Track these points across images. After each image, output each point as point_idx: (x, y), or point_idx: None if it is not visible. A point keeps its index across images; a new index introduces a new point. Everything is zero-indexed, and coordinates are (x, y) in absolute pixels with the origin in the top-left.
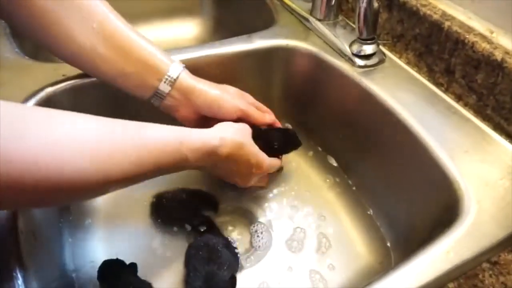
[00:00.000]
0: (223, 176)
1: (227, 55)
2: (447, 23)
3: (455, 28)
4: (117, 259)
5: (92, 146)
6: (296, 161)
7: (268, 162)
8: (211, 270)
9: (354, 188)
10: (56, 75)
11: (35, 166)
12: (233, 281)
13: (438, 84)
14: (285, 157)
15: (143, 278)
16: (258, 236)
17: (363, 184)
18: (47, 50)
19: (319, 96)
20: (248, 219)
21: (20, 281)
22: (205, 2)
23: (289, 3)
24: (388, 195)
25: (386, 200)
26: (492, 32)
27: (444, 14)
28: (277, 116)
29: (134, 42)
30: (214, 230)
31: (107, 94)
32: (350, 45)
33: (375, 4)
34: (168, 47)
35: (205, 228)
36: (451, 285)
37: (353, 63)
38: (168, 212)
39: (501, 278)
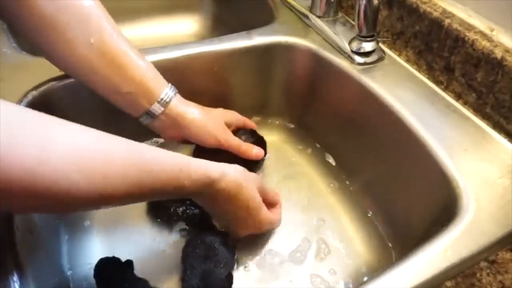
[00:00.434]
0: (220, 216)
1: (226, 51)
2: (447, 21)
3: (455, 25)
4: (113, 257)
5: (94, 163)
6: (294, 158)
7: (268, 217)
8: (208, 268)
9: (352, 186)
10: (55, 71)
11: (32, 174)
12: (229, 278)
13: (437, 82)
14: (283, 153)
15: (140, 275)
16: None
17: (361, 182)
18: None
19: (318, 93)
20: None
21: (15, 277)
22: None
23: (289, 0)
24: (387, 193)
25: (385, 198)
26: (492, 30)
27: (444, 11)
28: (275, 112)
29: (130, 61)
30: (211, 227)
31: None
32: (350, 42)
33: (375, 1)
34: (167, 43)
35: (201, 224)
36: (448, 283)
37: (352, 61)
38: (165, 209)
39: (499, 277)
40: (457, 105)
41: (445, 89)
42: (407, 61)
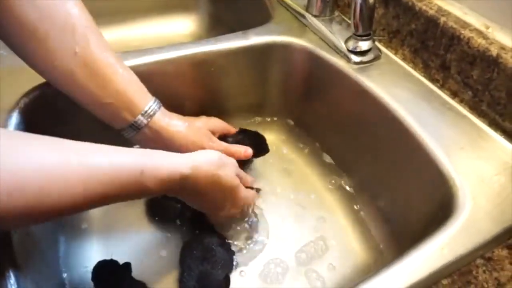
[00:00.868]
0: (192, 203)
1: (222, 51)
2: (442, 19)
3: (450, 23)
4: (111, 260)
5: (42, 177)
6: (292, 156)
7: (244, 194)
8: (205, 269)
9: (349, 184)
10: None
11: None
12: (227, 280)
13: (433, 80)
14: (281, 153)
15: (138, 277)
16: (254, 233)
17: (359, 180)
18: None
19: (315, 93)
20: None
21: (12, 280)
22: None
23: None
24: (384, 191)
25: (382, 197)
26: (488, 27)
27: (440, 9)
28: (273, 112)
29: (114, 73)
30: (209, 228)
31: None
32: (346, 42)
33: (371, 0)
34: (164, 42)
35: (200, 225)
36: (444, 281)
37: (349, 60)
38: (163, 209)
39: (495, 274)
40: (453, 103)
41: (441, 87)
42: (403, 59)
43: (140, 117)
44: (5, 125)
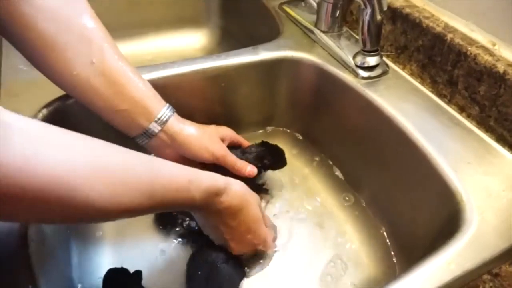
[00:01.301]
0: (218, 233)
1: (233, 66)
2: (449, 35)
3: (457, 40)
4: (121, 268)
5: (108, 175)
6: (300, 169)
7: (266, 228)
8: None
9: (358, 198)
10: None
11: (59, 183)
12: None
13: (441, 96)
14: (291, 166)
15: (148, 286)
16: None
17: (367, 194)
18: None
19: (324, 107)
20: None
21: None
22: (212, 12)
23: (294, 14)
24: (392, 205)
25: (390, 211)
26: (494, 44)
27: (446, 26)
28: (281, 125)
29: (130, 81)
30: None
31: None
32: (354, 57)
33: (378, 17)
34: (176, 56)
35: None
36: None
37: (357, 75)
38: (172, 220)
39: None
40: (461, 118)
41: (449, 102)
42: (411, 74)
43: (154, 123)
44: None
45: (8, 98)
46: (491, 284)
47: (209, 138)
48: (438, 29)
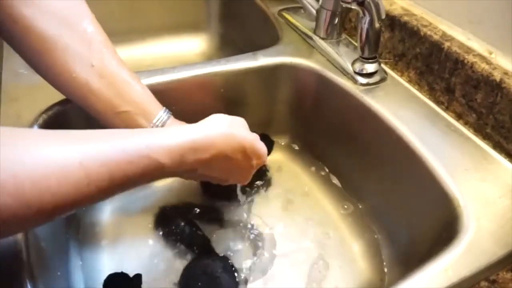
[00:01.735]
0: (220, 177)
1: (232, 72)
2: (447, 44)
3: (454, 48)
4: (121, 272)
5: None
6: (297, 175)
7: (263, 146)
8: None
9: (355, 204)
10: None
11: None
12: None
13: (438, 103)
14: (288, 171)
15: None
16: (259, 251)
17: (364, 200)
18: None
19: (322, 113)
20: (249, 233)
21: None
22: (212, 18)
23: (293, 21)
24: (389, 211)
25: (386, 217)
26: (491, 53)
27: (444, 34)
28: (280, 131)
29: (129, 84)
30: (211, 252)
31: None
32: (353, 64)
33: (377, 24)
34: (175, 61)
35: (203, 248)
36: None
37: (355, 81)
38: (170, 226)
39: None
40: (458, 125)
41: (446, 109)
42: (409, 81)
43: (153, 124)
44: None
45: (8, 102)
46: None
47: None
48: (436, 37)
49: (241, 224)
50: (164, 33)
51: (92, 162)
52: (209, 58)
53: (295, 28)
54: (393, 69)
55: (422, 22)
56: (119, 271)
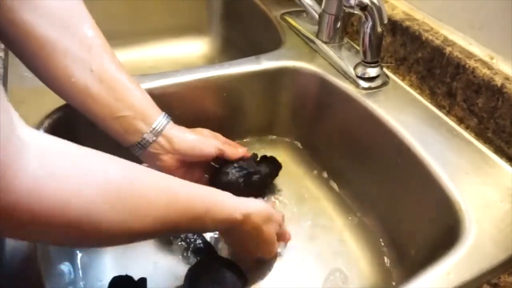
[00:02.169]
0: (227, 242)
1: (235, 75)
2: (448, 49)
3: (456, 53)
4: (126, 275)
5: (125, 195)
6: (299, 179)
7: (276, 247)
8: None
9: (356, 208)
10: None
11: (66, 205)
12: None
13: (440, 107)
14: (290, 175)
15: None
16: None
17: (365, 204)
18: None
19: (324, 117)
20: None
21: None
22: (214, 21)
23: (296, 25)
24: (391, 215)
25: (389, 221)
26: (492, 58)
27: (445, 39)
28: (282, 134)
29: (129, 89)
30: (216, 256)
31: None
32: (355, 68)
33: (379, 29)
34: (177, 64)
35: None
36: None
37: (357, 85)
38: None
39: None
40: (459, 129)
41: (448, 113)
42: (411, 86)
43: (152, 129)
44: None
45: (14, 105)
46: None
47: (205, 134)
48: (437, 42)
49: None
50: (166, 36)
51: (165, 206)
52: (211, 60)
53: (297, 32)
54: (394, 73)
55: (424, 27)
56: (124, 274)
